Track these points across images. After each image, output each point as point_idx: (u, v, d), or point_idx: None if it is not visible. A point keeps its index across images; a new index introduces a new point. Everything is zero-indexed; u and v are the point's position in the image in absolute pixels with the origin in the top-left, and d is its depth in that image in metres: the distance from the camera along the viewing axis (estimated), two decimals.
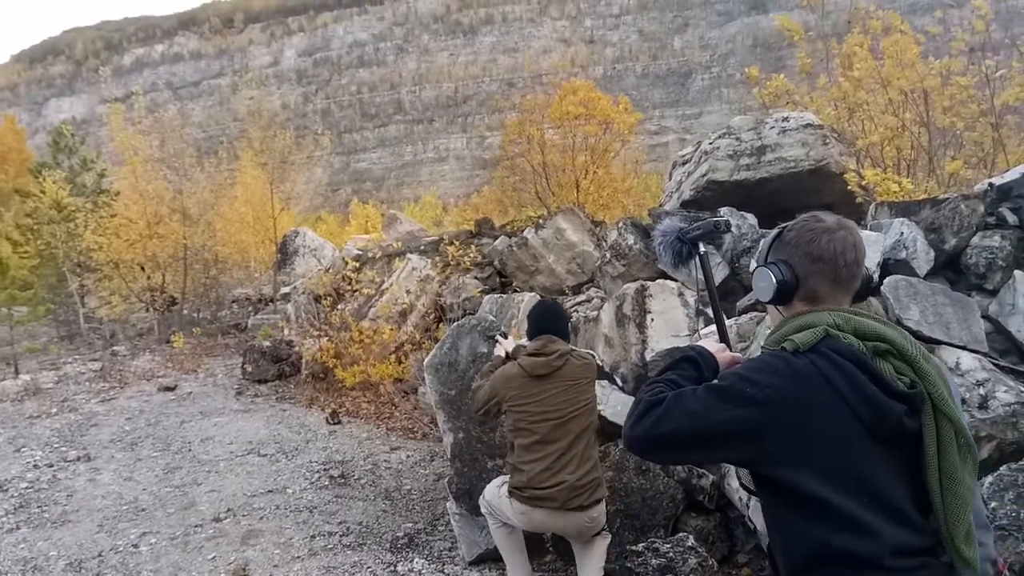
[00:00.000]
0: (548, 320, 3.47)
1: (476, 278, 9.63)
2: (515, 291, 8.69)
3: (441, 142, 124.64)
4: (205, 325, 13.96)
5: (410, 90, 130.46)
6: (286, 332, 11.33)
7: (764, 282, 1.58)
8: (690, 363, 1.66)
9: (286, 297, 13.65)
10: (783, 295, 1.55)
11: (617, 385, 4.98)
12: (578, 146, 11.56)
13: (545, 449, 3.22)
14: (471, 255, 9.49)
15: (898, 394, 1.37)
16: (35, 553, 4.60)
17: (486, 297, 7.08)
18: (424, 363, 4.82)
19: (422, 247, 10.56)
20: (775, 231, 1.64)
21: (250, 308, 16.64)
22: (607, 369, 5.04)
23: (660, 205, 7.23)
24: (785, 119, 6.23)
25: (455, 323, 4.85)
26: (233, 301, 17.27)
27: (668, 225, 2.07)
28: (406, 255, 9.15)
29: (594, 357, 3.67)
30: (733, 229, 5.82)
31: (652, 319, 4.83)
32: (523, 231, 9.98)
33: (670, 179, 7.12)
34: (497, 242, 10.06)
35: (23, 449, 7.06)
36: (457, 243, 10.04)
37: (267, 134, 15.12)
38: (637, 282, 5.17)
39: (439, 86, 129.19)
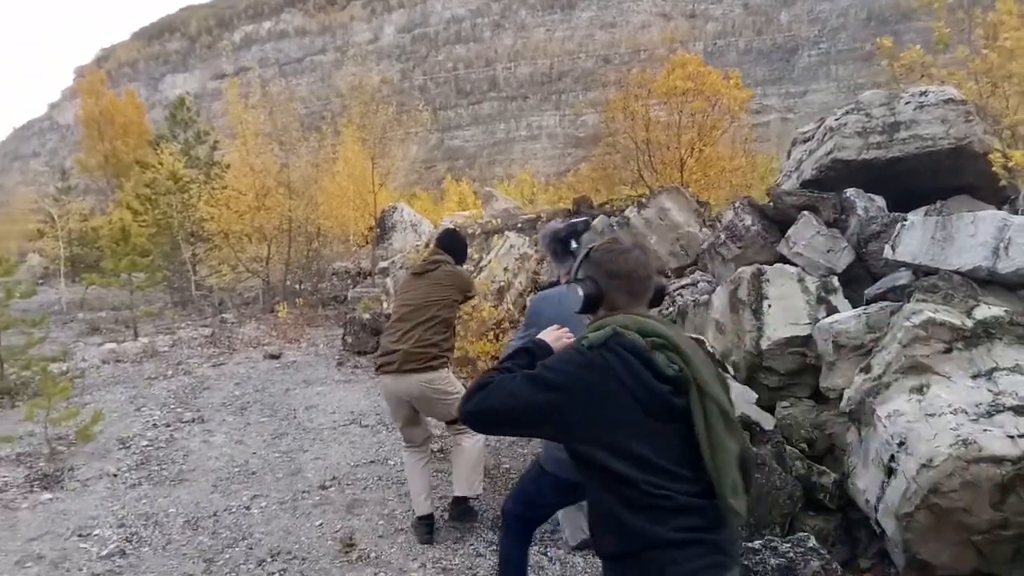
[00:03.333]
0: (443, 240, 4.48)
1: None
2: None
3: (534, 120, 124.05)
4: (307, 296, 14.42)
5: (505, 67, 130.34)
6: (385, 305, 11.54)
7: (575, 296, 1.92)
8: (527, 353, 1.99)
9: (384, 271, 13.92)
10: (589, 306, 1.89)
11: (729, 374, 4.74)
12: (684, 123, 11.11)
13: (396, 326, 4.13)
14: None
15: (666, 378, 1.68)
16: (156, 509, 4.83)
17: None
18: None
19: (519, 224, 10.49)
20: (584, 251, 1.97)
21: (349, 281, 17.08)
22: (717, 356, 4.81)
23: (777, 185, 6.83)
24: (923, 93, 5.73)
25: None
26: (333, 274, 17.76)
27: (548, 227, 2.43)
28: (504, 232, 9.08)
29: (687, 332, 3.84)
30: (860, 212, 5.43)
31: (769, 305, 4.56)
32: (624, 210, 9.75)
33: (788, 158, 6.73)
34: (596, 221, 9.86)
35: (143, 408, 7.47)
36: None
37: (368, 108, 15.35)
38: (752, 265, 4.90)
39: (534, 62, 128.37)
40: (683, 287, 6.97)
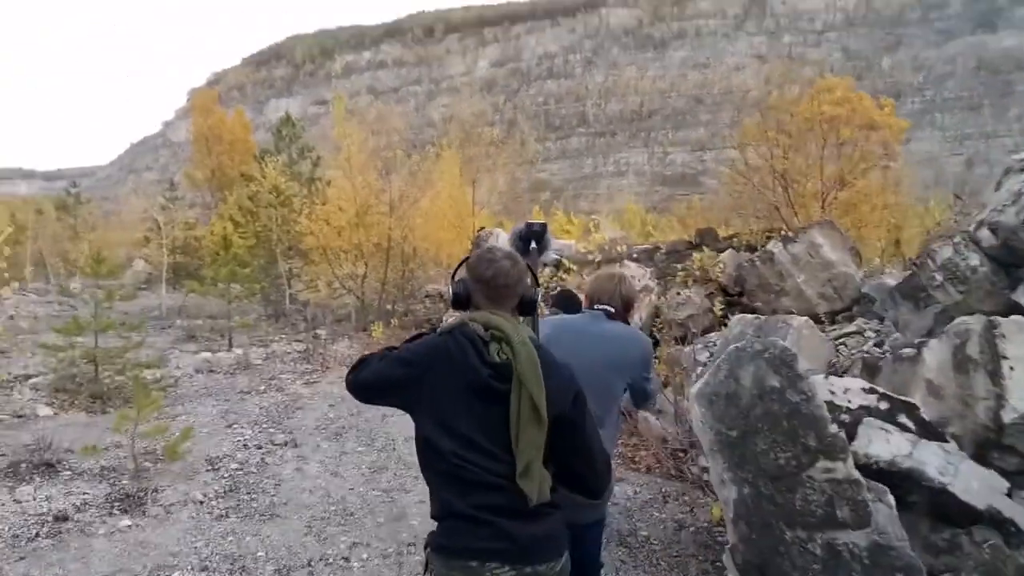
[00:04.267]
0: (558, 300, 3.87)
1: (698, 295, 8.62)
2: (752, 313, 7.56)
3: (622, 156, 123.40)
4: (400, 317, 13.97)
5: (595, 103, 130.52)
6: None
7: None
8: (420, 336, 2.11)
9: None
10: (458, 304, 2.06)
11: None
12: (828, 154, 10.00)
13: None
14: (719, 266, 8.37)
15: (490, 364, 1.85)
16: (243, 550, 4.20)
17: (735, 318, 6.02)
18: (692, 391, 3.91)
19: (635, 255, 9.67)
20: (465, 258, 2.15)
21: (441, 304, 16.64)
22: (926, 419, 3.84)
23: (981, 224, 5.78)
24: None
25: (732, 346, 3.89)
26: (426, 296, 17.38)
27: (513, 229, 2.54)
28: (624, 262, 8.28)
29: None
30: None
31: (1011, 368, 3.59)
32: (762, 245, 8.81)
33: (998, 189, 5.69)
34: (723, 256, 8.95)
35: (234, 426, 6.98)
36: (676, 254, 9.04)
37: (474, 130, 14.95)
38: (976, 316, 3.94)
39: (624, 100, 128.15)
40: (845, 335, 5.98)
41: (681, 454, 5.86)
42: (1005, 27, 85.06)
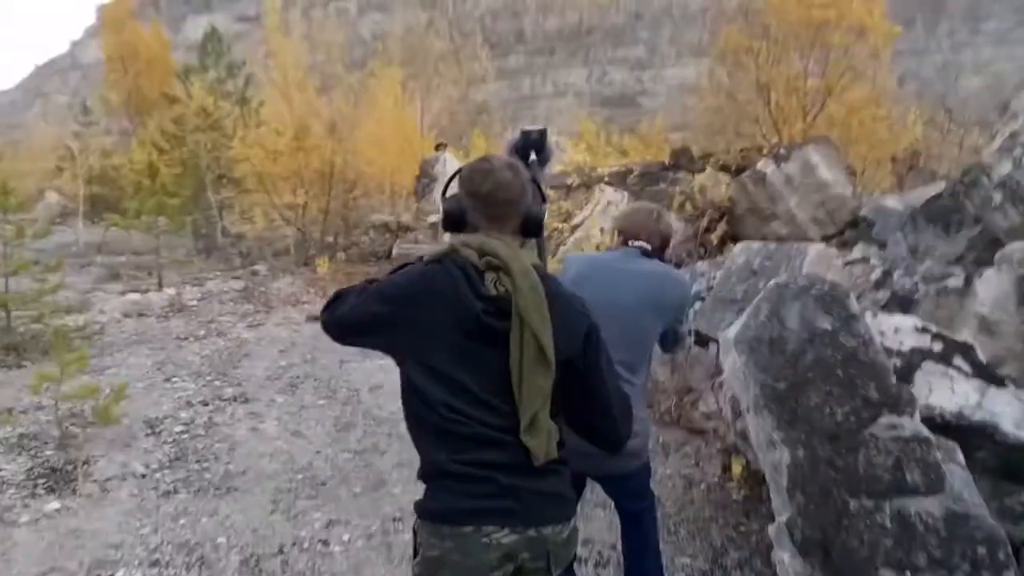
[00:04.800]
0: None
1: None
2: (734, 240, 7.09)
3: (560, 76, 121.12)
4: (346, 250, 13.10)
5: (533, 19, 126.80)
6: None
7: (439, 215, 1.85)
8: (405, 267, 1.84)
9: (434, 227, 12.56)
10: (451, 224, 1.73)
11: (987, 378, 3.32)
12: (814, 63, 9.26)
13: None
14: (722, 189, 7.76)
15: (485, 297, 1.56)
16: (199, 536, 3.56)
17: (739, 246, 5.50)
18: (727, 335, 3.38)
19: (606, 179, 9.04)
20: (456, 169, 1.80)
21: (387, 235, 15.78)
22: (984, 361, 3.41)
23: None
24: None
25: (772, 281, 3.35)
26: (371, 227, 16.44)
27: (505, 141, 2.20)
28: (600, 186, 7.64)
29: None
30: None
31: None
32: (738, 166, 8.31)
33: None
34: (702, 177, 8.42)
35: (174, 379, 6.19)
36: (650, 176, 8.46)
37: (420, 44, 13.78)
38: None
39: (563, 16, 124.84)
40: (849, 264, 5.54)
41: (675, 397, 5.43)
42: None
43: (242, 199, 15.29)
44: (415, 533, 1.61)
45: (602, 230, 7.44)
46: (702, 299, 5.65)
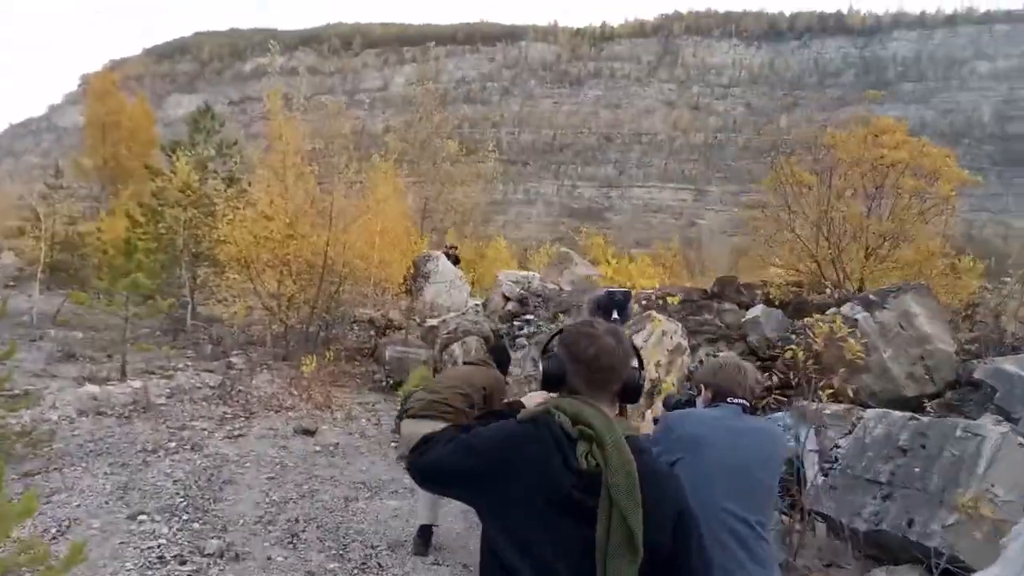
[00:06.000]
0: (495, 351, 5.46)
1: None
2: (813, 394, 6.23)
3: (532, 185, 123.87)
4: (336, 348, 11.93)
5: (509, 131, 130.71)
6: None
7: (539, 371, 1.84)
8: (495, 416, 1.81)
9: (433, 330, 11.52)
10: (549, 384, 1.73)
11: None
12: (875, 205, 8.71)
13: (433, 390, 4.81)
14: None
15: (574, 469, 1.50)
16: None
17: (873, 413, 4.53)
18: None
19: (643, 302, 8.22)
20: (558, 328, 1.93)
21: (372, 332, 14.66)
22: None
23: None
24: None
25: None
26: (353, 321, 15.31)
27: (590, 297, 2.69)
28: (651, 314, 6.76)
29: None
30: None
31: None
32: (786, 302, 7.58)
33: None
34: (755, 311, 7.66)
35: (140, 517, 4.88)
36: (691, 304, 7.66)
37: (427, 139, 13.18)
38: None
39: (538, 131, 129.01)
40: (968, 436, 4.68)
41: None
42: (890, 100, 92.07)
43: (217, 281, 14.11)
44: None
45: (658, 364, 6.53)
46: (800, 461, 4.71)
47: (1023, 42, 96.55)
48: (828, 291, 8.14)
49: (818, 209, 8.51)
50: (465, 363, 6.07)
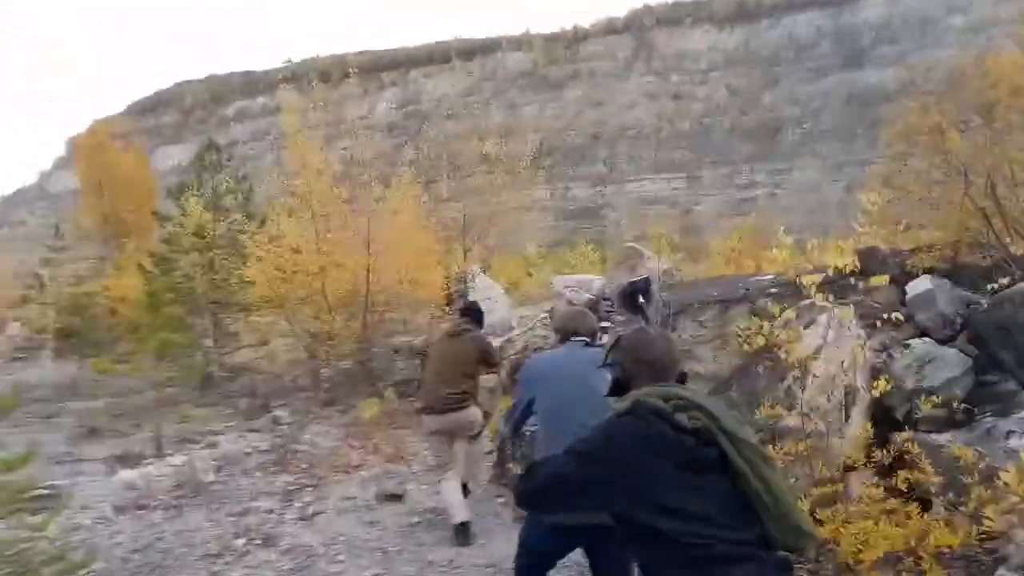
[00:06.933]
0: (468, 311, 5.91)
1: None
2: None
3: (526, 192, 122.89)
4: (395, 386, 10.59)
5: (495, 142, 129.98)
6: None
7: (604, 381, 2.10)
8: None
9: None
10: (618, 389, 2.00)
11: None
12: None
13: (436, 376, 5.42)
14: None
15: (687, 430, 1.72)
16: None
17: None
18: None
19: (772, 290, 6.87)
20: (614, 339, 2.19)
21: (417, 361, 13.31)
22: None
23: None
24: None
25: None
26: (394, 351, 13.95)
27: (616, 287, 4.14)
28: (813, 302, 5.38)
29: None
30: None
31: None
32: (966, 270, 6.26)
33: None
34: (920, 285, 6.34)
35: None
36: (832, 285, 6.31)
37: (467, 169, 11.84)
38: None
39: (524, 138, 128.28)
40: None
41: None
42: (869, 64, 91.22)
43: (245, 326, 12.79)
44: None
45: (843, 364, 5.17)
46: None
47: None
48: (987, 254, 6.81)
49: (988, 155, 7.07)
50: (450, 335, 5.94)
